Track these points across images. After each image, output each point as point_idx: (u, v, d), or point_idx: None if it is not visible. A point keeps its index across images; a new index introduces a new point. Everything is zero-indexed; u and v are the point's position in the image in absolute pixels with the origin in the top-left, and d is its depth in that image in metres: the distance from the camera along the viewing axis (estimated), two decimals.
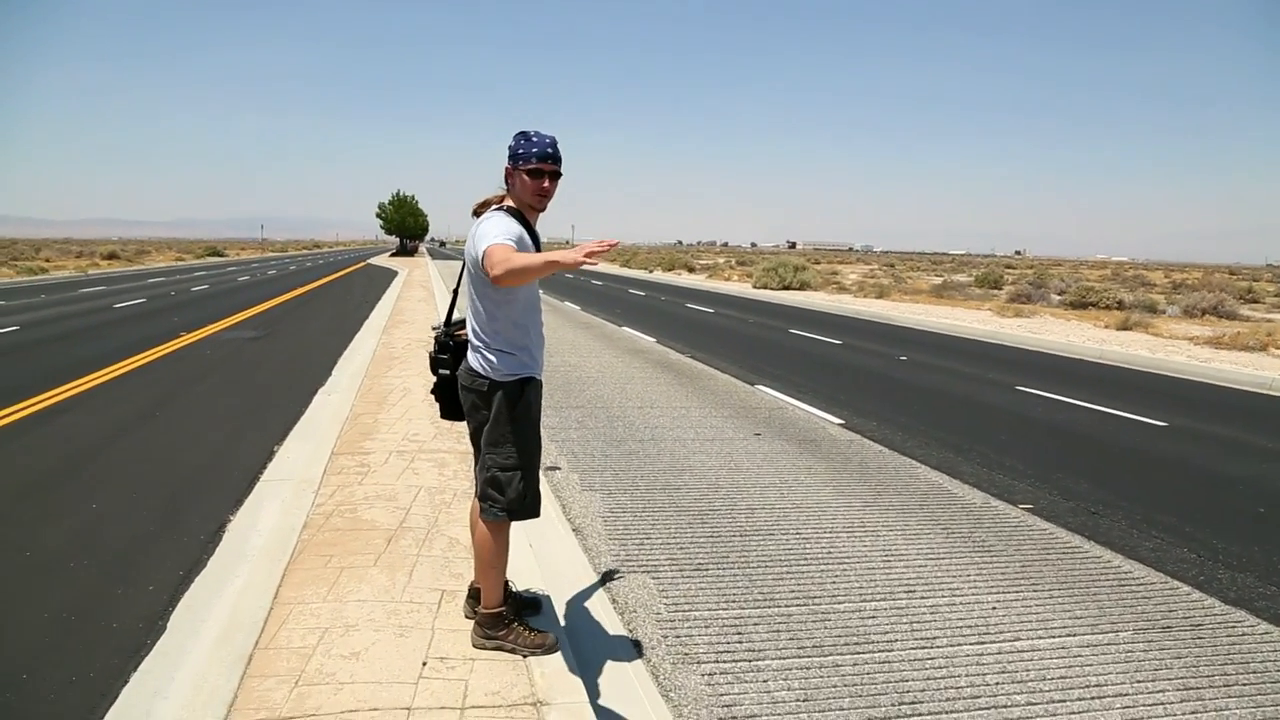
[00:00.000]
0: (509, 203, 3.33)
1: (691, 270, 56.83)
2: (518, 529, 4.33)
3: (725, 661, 3.85)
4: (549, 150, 3.26)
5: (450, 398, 3.56)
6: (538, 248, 3.29)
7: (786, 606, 4.44)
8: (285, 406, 8.88)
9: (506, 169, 3.32)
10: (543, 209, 3.37)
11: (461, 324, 3.55)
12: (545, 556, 4.71)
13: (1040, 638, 4.23)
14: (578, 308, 24.25)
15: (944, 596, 4.66)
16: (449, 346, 3.54)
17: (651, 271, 57.96)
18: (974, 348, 17.42)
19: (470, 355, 3.41)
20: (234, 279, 39.45)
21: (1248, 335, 16.54)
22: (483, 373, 3.34)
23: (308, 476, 5.91)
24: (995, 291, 35.39)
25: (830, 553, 5.23)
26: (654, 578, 4.74)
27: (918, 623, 4.32)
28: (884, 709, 3.52)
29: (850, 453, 7.85)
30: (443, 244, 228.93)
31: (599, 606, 4.28)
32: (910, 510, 6.15)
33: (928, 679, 3.78)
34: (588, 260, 2.75)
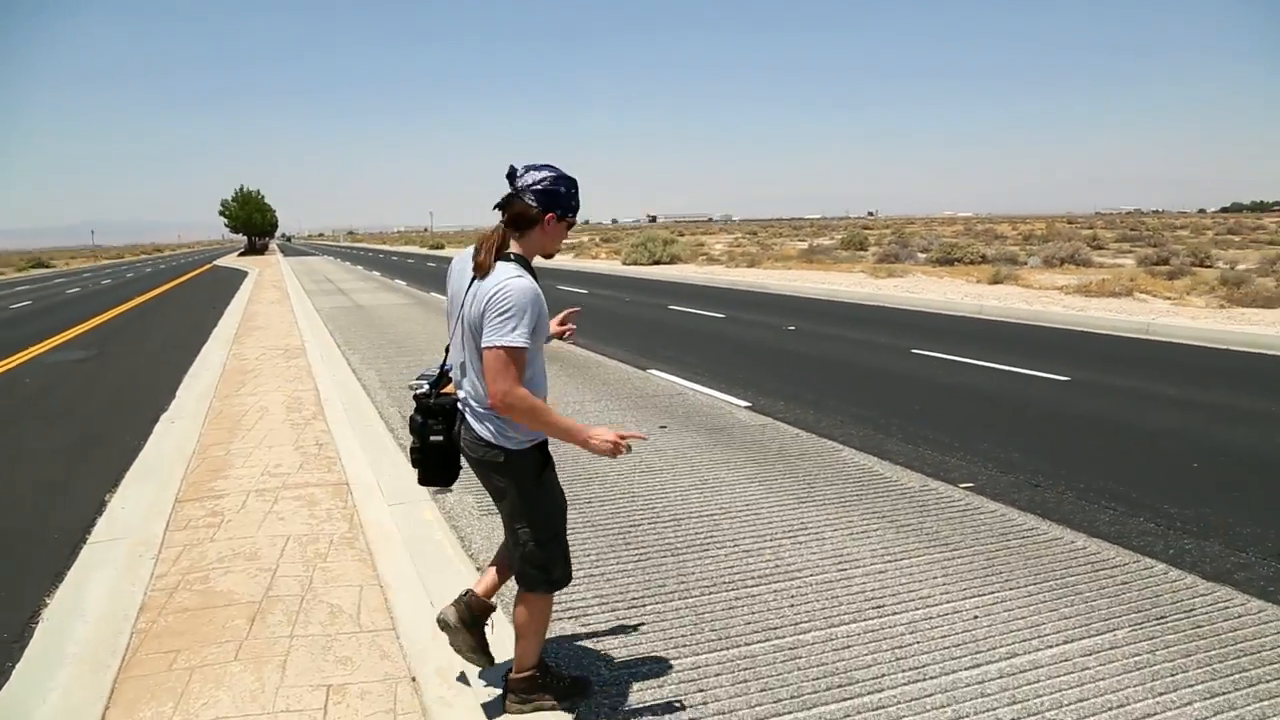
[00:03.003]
0: (517, 249, 2.83)
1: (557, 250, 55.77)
2: (408, 581, 3.54)
3: None
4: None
5: (438, 463, 3.05)
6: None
7: (746, 645, 3.75)
8: (120, 441, 7.62)
9: (533, 212, 2.77)
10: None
11: (447, 381, 3.06)
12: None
13: (1037, 649, 3.69)
14: (444, 298, 23.03)
15: (917, 608, 4.08)
16: (438, 410, 3.01)
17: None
18: (857, 312, 17.29)
19: (474, 423, 2.91)
20: (61, 292, 36.09)
21: (1112, 281, 16.98)
22: (496, 442, 2.87)
23: (146, 536, 4.84)
24: (861, 253, 35.93)
25: (777, 566, 4.58)
26: (583, 624, 3.97)
27: (899, 648, 3.71)
28: None
29: (766, 440, 7.25)
30: (289, 239, 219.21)
31: None
32: (849, 502, 5.59)
33: None
34: (619, 449, 2.77)
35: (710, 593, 4.27)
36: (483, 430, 2.87)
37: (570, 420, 2.81)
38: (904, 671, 3.52)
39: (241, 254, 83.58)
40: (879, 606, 4.10)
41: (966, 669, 3.54)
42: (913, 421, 7.84)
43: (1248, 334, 11.80)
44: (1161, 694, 3.35)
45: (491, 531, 5.03)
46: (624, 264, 36.77)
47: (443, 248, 77.33)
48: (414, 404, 3.06)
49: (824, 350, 12.41)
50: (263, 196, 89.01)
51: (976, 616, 3.99)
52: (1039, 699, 3.32)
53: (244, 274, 41.61)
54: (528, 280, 2.72)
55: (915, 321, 15.42)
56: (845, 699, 3.33)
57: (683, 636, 3.82)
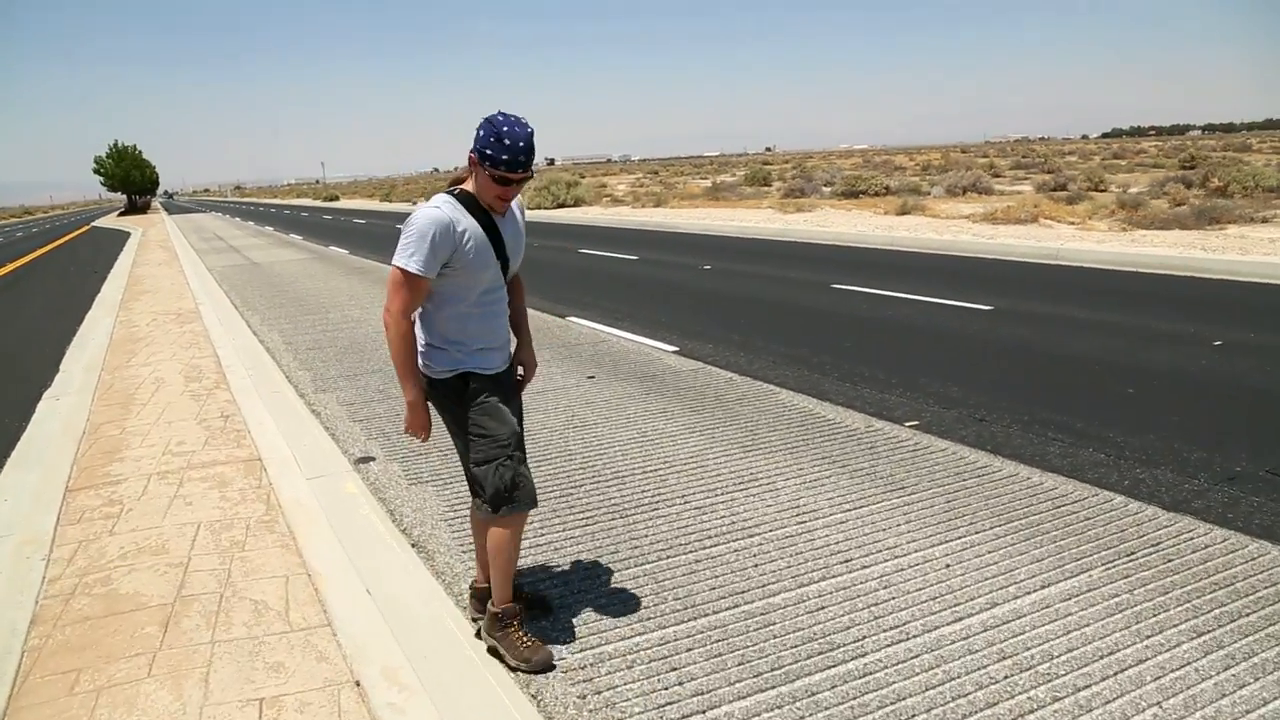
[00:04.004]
0: (468, 186, 2.96)
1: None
2: (338, 566, 3.49)
3: (673, 716, 2.86)
4: (521, 158, 2.82)
5: None
6: (500, 242, 3.01)
7: (714, 613, 3.49)
8: None
9: (470, 156, 2.87)
10: (502, 212, 3.02)
11: None
12: (388, 599, 3.48)
13: (1015, 596, 3.54)
14: (345, 251, 22.07)
15: (886, 560, 3.89)
16: None
17: (415, 203, 54.97)
18: (771, 248, 17.16)
19: None
20: None
21: (1017, 208, 17.23)
22: (423, 370, 3.10)
23: (33, 533, 4.29)
24: (766, 189, 35.89)
25: (733, 522, 4.34)
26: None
27: (876, 605, 3.51)
28: None
29: (699, 385, 7.00)
30: (171, 195, 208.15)
31: (472, 667, 3.13)
32: (796, 448, 5.38)
33: (925, 688, 2.96)
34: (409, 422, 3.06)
35: (667, 556, 4.00)
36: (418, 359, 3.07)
37: (409, 381, 3.00)
38: (885, 632, 3.32)
39: (122, 214, 78.82)
40: (847, 561, 3.90)
41: (949, 624, 3.36)
42: (845, 359, 7.70)
43: (1153, 256, 12.06)
44: (1149, 637, 3.23)
45: (423, 502, 4.64)
46: (528, 208, 35.89)
47: (337, 199, 74.51)
48: None
49: (743, 289, 12.22)
50: (140, 152, 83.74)
51: (949, 565, 3.83)
52: (1028, 652, 3.16)
53: (126, 234, 39.18)
54: (440, 211, 2.83)
55: (830, 256, 15.36)
56: (829, 667, 3.11)
57: (645, 609, 3.54)
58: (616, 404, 6.54)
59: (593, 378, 7.40)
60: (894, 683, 3.01)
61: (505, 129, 2.78)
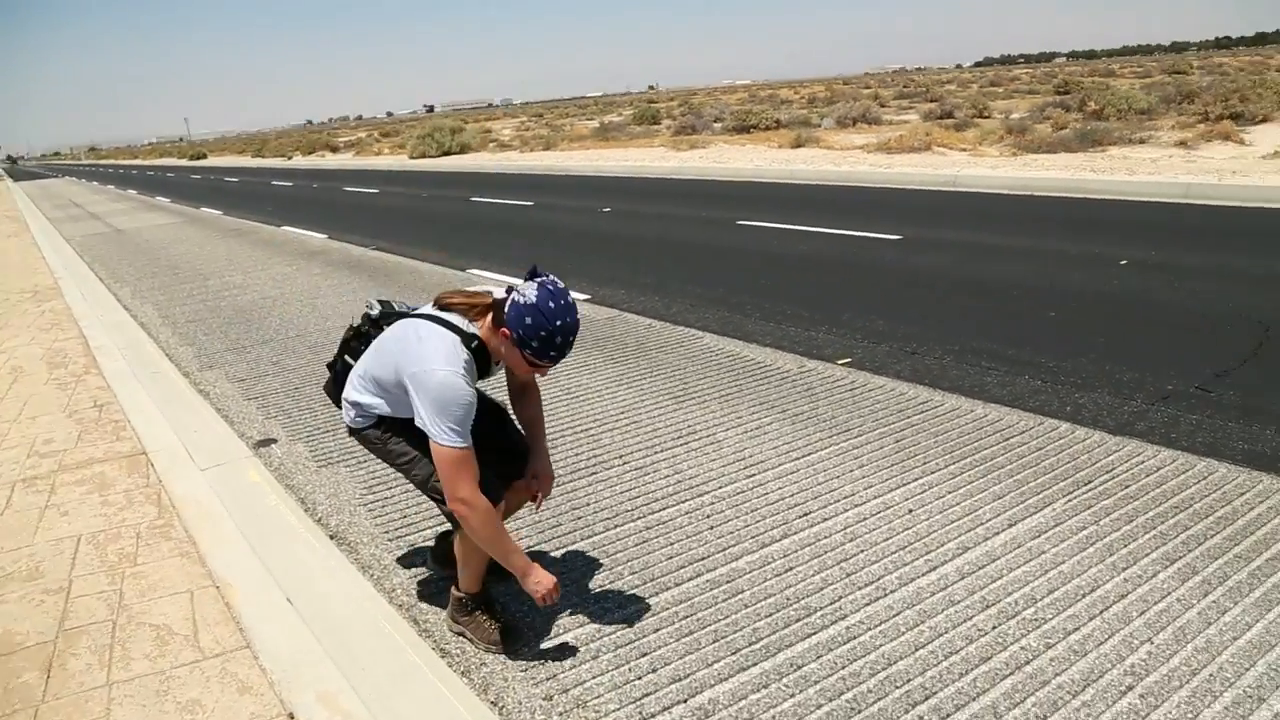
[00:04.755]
0: (483, 333, 2.64)
1: (335, 150, 52.09)
2: (250, 573, 3.06)
3: (653, 709, 2.57)
4: (564, 353, 2.58)
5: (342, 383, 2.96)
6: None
7: (677, 584, 3.22)
8: None
9: (504, 331, 2.53)
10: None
11: (400, 317, 2.86)
12: (314, 606, 3.07)
13: (985, 538, 3.38)
14: (219, 212, 20.71)
15: (846, 510, 3.68)
16: (368, 338, 2.91)
17: (290, 158, 52.46)
18: (670, 187, 16.83)
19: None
20: None
21: (909, 137, 17.32)
22: (346, 422, 2.90)
23: None
24: (655, 127, 35.40)
25: (679, 481, 4.07)
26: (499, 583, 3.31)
27: (845, 561, 3.30)
28: None
29: (619, 334, 6.68)
30: (15, 161, 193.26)
31: (420, 677, 2.77)
32: (730, 396, 5.13)
33: (914, 648, 2.76)
34: (546, 597, 2.66)
35: (615, 525, 3.70)
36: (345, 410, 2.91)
37: (516, 555, 2.68)
38: (861, 590, 3.11)
39: None
40: (806, 514, 3.67)
41: (924, 575, 3.17)
42: (765, 298, 7.49)
43: (1047, 179, 12.23)
44: (1125, 569, 3.12)
45: (336, 486, 4.21)
46: (411, 158, 34.60)
47: (205, 157, 70.36)
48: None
49: (648, 230, 11.90)
50: None
51: (911, 511, 3.64)
52: (1010, 598, 3.00)
53: None
54: (467, 388, 2.54)
55: (731, 192, 15.14)
56: (810, 635, 2.88)
57: (601, 587, 3.24)
58: None
59: None
60: (880, 646, 2.80)
61: (558, 324, 2.46)
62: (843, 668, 2.71)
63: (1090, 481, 3.78)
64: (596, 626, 2.99)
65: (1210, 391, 4.69)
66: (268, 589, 3.05)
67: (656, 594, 3.16)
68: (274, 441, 4.87)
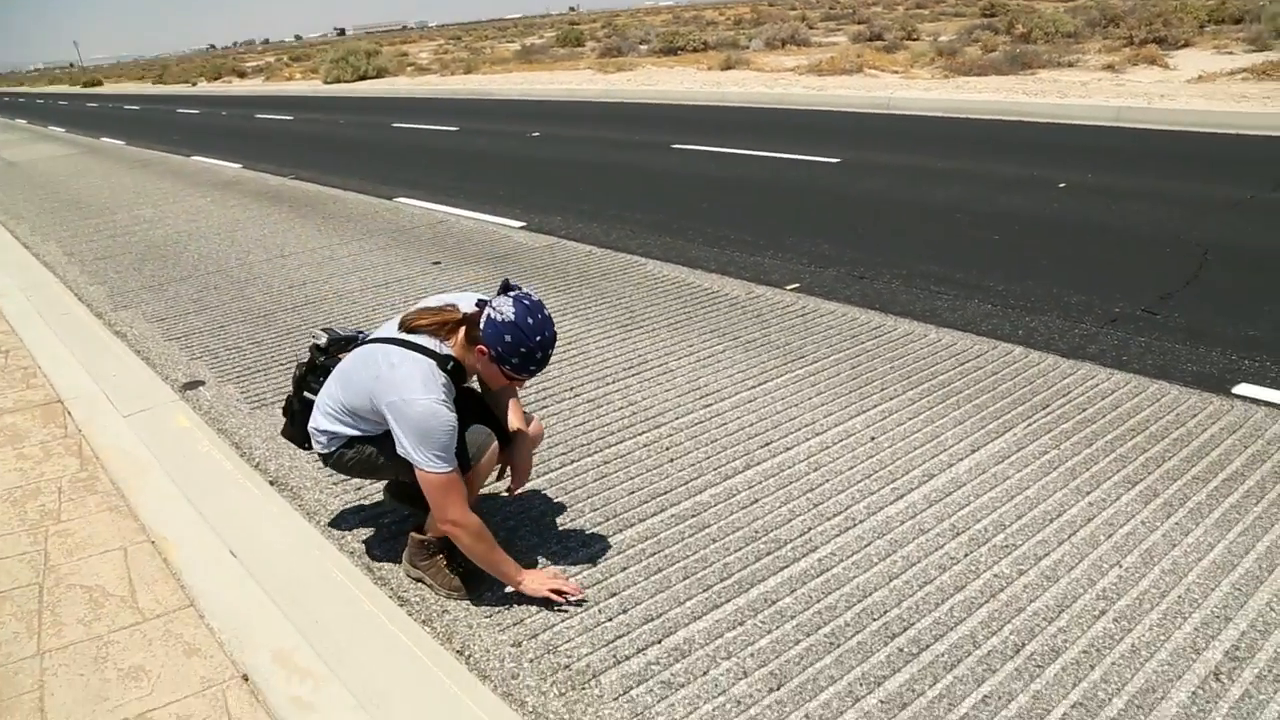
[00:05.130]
0: (456, 351, 2.55)
1: (243, 75, 49.60)
2: (187, 524, 2.95)
3: (627, 651, 2.48)
4: (544, 367, 2.54)
5: (304, 422, 2.81)
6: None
7: (641, 520, 3.12)
8: None
9: (477, 333, 2.48)
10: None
11: (348, 343, 2.81)
12: (259, 558, 2.89)
13: (949, 464, 3.35)
14: (122, 142, 19.57)
15: (808, 439, 3.61)
16: (324, 371, 2.80)
17: (195, 84, 49.80)
18: (599, 110, 16.42)
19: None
20: None
21: (840, 59, 17.13)
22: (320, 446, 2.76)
23: None
24: (580, 50, 34.46)
25: (634, 413, 3.95)
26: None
27: (812, 492, 3.23)
28: (896, 663, 2.41)
29: (558, 263, 6.48)
30: None
31: (379, 629, 2.62)
32: (680, 323, 5.01)
33: (888, 579, 2.72)
34: (551, 594, 2.61)
35: (572, 460, 3.58)
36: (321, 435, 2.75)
37: (510, 568, 2.67)
38: (829, 520, 3.05)
39: None
40: (767, 444, 3.59)
41: (892, 503, 3.13)
42: (706, 222, 7.33)
43: (980, 101, 12.22)
44: (1089, 493, 3.12)
45: (273, 429, 3.98)
46: (326, 83, 33.14)
47: (100, 84, 66.35)
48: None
49: (580, 154, 11.58)
50: None
51: (874, 438, 3.59)
52: (980, 524, 2.97)
53: None
54: (449, 414, 2.44)
55: (663, 115, 14.82)
56: (782, 568, 2.81)
57: (562, 526, 3.12)
58: (471, 290, 5.92)
59: (439, 264, 6.72)
60: (854, 577, 2.75)
61: (537, 339, 2.43)
62: (818, 601, 2.65)
63: (1048, 405, 3.77)
64: (561, 567, 2.87)
65: (1156, 314, 4.73)
66: (208, 542, 2.85)
67: (620, 531, 3.06)
68: (201, 384, 4.59)
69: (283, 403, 2.97)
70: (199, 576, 2.66)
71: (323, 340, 2.85)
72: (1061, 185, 7.65)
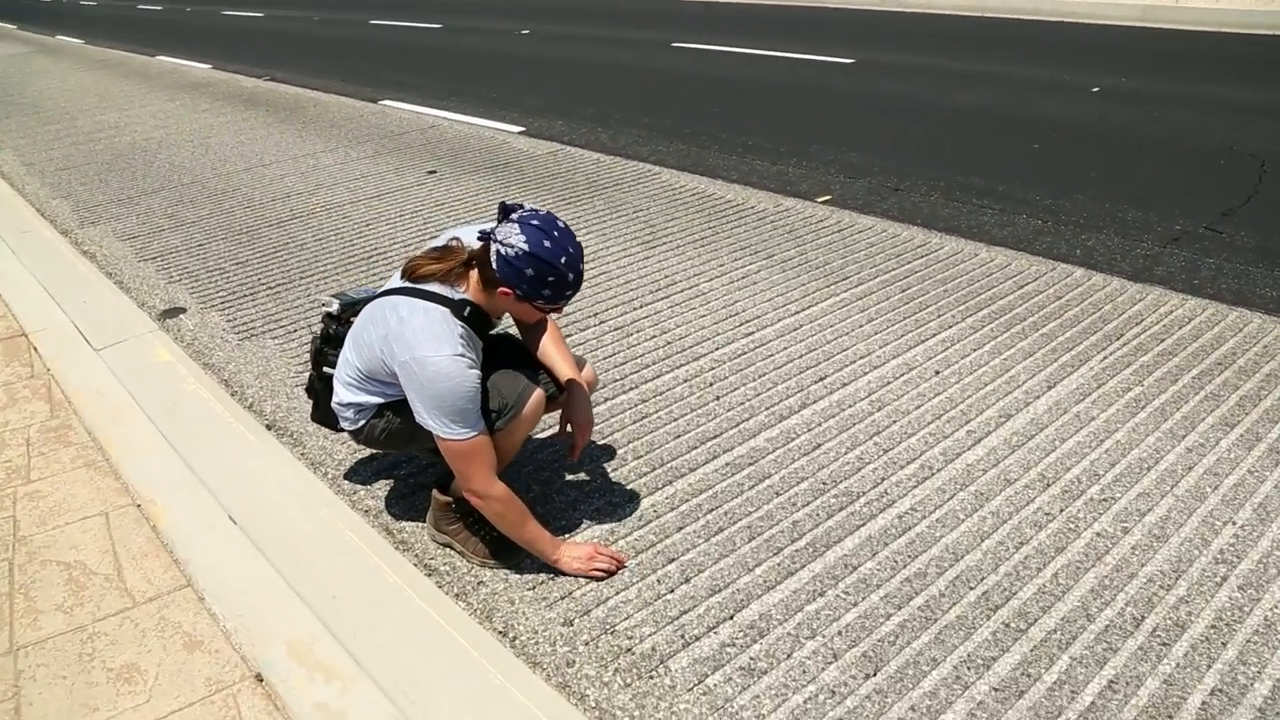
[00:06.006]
0: (472, 294, 2.17)
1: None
2: (179, 484, 2.60)
3: (697, 630, 2.17)
4: (578, 288, 2.14)
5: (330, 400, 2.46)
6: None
7: (692, 470, 2.78)
8: None
9: (492, 273, 2.08)
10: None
11: (358, 309, 2.40)
12: (263, 522, 2.54)
13: (1026, 404, 3.02)
14: (80, 40, 18.44)
15: (865, 372, 3.27)
16: (342, 340, 2.42)
17: None
18: (591, 6, 15.57)
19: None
20: None
21: None
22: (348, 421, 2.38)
23: None
24: None
25: (667, 341, 3.58)
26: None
27: (879, 435, 2.90)
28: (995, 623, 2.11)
29: (564, 171, 6.01)
30: None
31: (408, 606, 2.29)
32: (707, 240, 4.60)
33: (978, 538, 2.41)
34: (595, 572, 2.32)
35: (605, 399, 3.21)
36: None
37: (544, 541, 2.32)
38: (903, 469, 2.72)
39: None
40: (821, 379, 3.24)
41: (970, 448, 2.80)
42: (720, 128, 6.85)
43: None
44: (1184, 437, 2.81)
45: (266, 363, 3.59)
46: None
47: None
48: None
49: (576, 54, 10.91)
50: None
51: (938, 371, 3.25)
52: (1071, 475, 2.66)
53: None
54: (471, 370, 2.10)
55: (656, 9, 14.07)
56: (858, 526, 2.49)
57: (605, 476, 2.78)
58: (472, 202, 5.48)
59: (434, 172, 6.23)
60: (941, 537, 2.44)
61: (563, 262, 2.05)
62: (904, 566, 2.34)
63: (1122, 335, 3.44)
64: (609, 527, 2.54)
65: (1220, 232, 4.37)
66: (202, 504, 2.48)
67: (669, 482, 2.72)
68: (183, 311, 4.16)
69: (304, 380, 2.72)
70: (195, 548, 2.30)
71: (335, 307, 2.48)
72: (1095, 90, 7.18)
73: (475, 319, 2.18)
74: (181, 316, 4.08)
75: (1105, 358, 3.28)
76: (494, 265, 2.07)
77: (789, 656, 2.08)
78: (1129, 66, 7.93)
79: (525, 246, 2.02)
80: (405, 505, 2.66)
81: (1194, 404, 2.97)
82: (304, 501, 2.58)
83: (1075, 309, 3.66)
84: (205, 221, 5.46)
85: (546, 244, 2.03)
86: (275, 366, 3.53)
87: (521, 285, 2.06)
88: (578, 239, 2.13)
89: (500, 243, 2.05)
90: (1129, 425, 2.88)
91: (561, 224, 2.10)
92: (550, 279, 2.05)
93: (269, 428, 3.08)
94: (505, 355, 2.40)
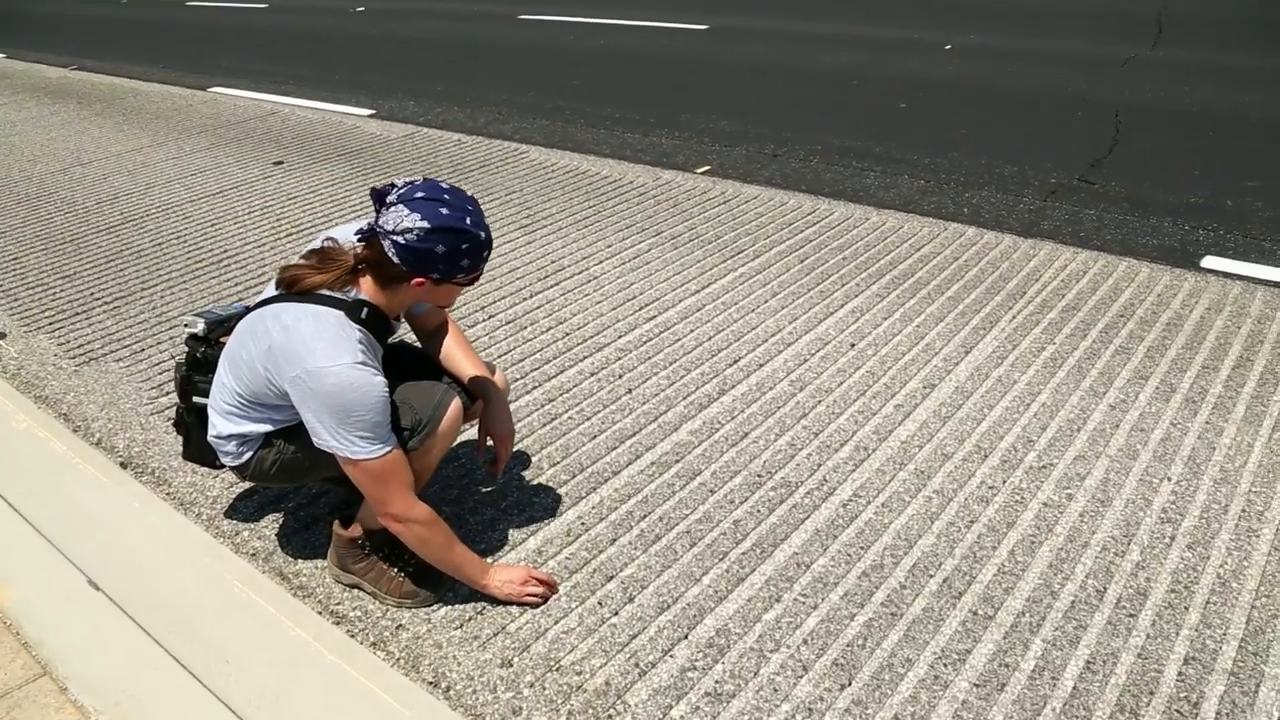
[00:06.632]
0: (365, 294, 1.89)
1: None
2: (36, 554, 2.10)
3: (651, 655, 1.96)
4: (492, 245, 1.92)
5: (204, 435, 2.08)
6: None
7: (616, 473, 2.57)
8: None
9: (395, 268, 1.82)
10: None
11: (229, 327, 2.07)
12: (132, 587, 2.17)
13: (946, 371, 2.95)
14: None
15: (779, 350, 3.13)
16: (211, 365, 2.07)
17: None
18: None
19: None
20: None
21: None
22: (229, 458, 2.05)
23: None
24: None
25: (565, 333, 3.34)
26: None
27: (805, 417, 2.76)
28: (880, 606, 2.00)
29: (425, 155, 5.64)
30: None
31: (315, 666, 1.99)
32: (589, 220, 4.37)
33: (932, 527, 2.30)
34: (529, 598, 2.08)
35: (509, 401, 2.93)
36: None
37: (473, 566, 2.07)
38: (837, 452, 2.59)
39: None
40: (736, 362, 3.08)
41: (901, 424, 2.70)
42: (584, 101, 6.59)
43: None
44: (1104, 393, 2.80)
45: (112, 391, 3.13)
46: None
47: None
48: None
49: (416, 30, 10.39)
50: None
51: (854, 344, 3.14)
52: (1005, 442, 2.60)
53: None
54: (375, 378, 1.83)
55: None
56: (803, 519, 2.34)
57: (521, 487, 2.53)
58: (328, 193, 5.04)
59: (281, 163, 5.72)
60: (890, 522, 2.32)
61: (467, 222, 1.81)
62: (858, 559, 2.20)
63: (1025, 293, 3.43)
64: (535, 546, 2.29)
65: (1093, 183, 4.46)
66: (53, 567, 2.08)
67: (594, 489, 2.49)
68: (3, 336, 3.61)
69: (159, 406, 2.48)
70: (49, 626, 1.91)
71: (199, 327, 2.14)
72: (948, 48, 7.31)
73: (373, 321, 1.90)
74: (2, 343, 3.53)
75: (1014, 318, 3.25)
76: (396, 259, 1.80)
77: (756, 674, 1.90)
78: (972, 24, 8.11)
79: (425, 224, 1.77)
80: (299, 543, 2.32)
81: (1107, 359, 2.97)
82: (177, 551, 2.21)
83: (975, 269, 3.63)
84: (18, 231, 4.80)
85: (444, 211, 1.79)
86: (123, 393, 3.08)
87: (437, 266, 1.81)
88: (467, 192, 1.89)
89: (392, 233, 1.78)
90: (1051, 386, 2.84)
91: (446, 185, 1.85)
92: (464, 246, 1.81)
93: (124, 466, 2.66)
94: (407, 365, 2.11)
